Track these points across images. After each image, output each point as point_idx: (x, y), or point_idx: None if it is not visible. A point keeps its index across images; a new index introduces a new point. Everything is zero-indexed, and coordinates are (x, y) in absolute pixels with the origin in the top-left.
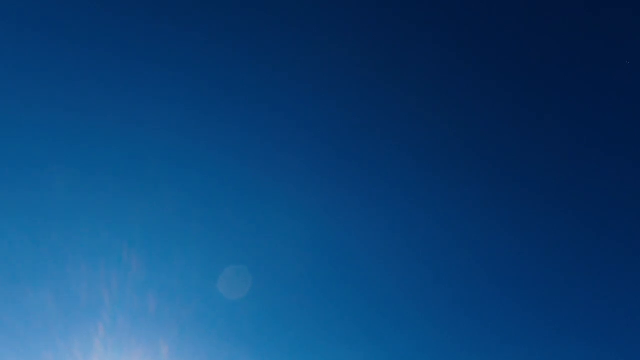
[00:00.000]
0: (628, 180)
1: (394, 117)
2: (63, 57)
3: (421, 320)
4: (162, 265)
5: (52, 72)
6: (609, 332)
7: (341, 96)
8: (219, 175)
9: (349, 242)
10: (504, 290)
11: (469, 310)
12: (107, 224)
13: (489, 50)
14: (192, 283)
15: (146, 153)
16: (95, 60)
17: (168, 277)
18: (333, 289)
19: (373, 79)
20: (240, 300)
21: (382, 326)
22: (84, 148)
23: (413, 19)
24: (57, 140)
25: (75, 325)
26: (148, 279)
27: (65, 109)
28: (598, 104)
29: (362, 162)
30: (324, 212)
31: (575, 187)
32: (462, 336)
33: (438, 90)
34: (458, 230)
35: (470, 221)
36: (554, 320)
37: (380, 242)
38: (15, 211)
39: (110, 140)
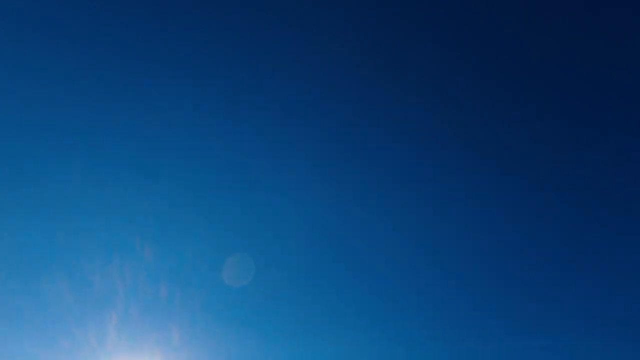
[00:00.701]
0: (630, 175)
1: (395, 111)
2: (74, 57)
3: (421, 305)
4: (172, 256)
5: (67, 72)
6: (608, 323)
7: (342, 90)
8: (225, 170)
9: (350, 231)
10: (503, 277)
11: (469, 297)
12: (120, 218)
13: (489, 43)
14: (201, 272)
15: (157, 150)
16: (109, 58)
17: (178, 267)
18: (334, 275)
19: (375, 73)
20: (247, 287)
21: (383, 310)
22: (98, 145)
23: (414, 15)
24: (72, 138)
25: (90, 313)
26: (159, 269)
27: (78, 109)
28: (597, 100)
29: (362, 152)
30: (325, 203)
31: (577, 180)
32: (462, 323)
33: (439, 84)
34: (457, 217)
35: (469, 210)
36: (555, 312)
37: (380, 228)
38: (32, 206)
39: (123, 137)
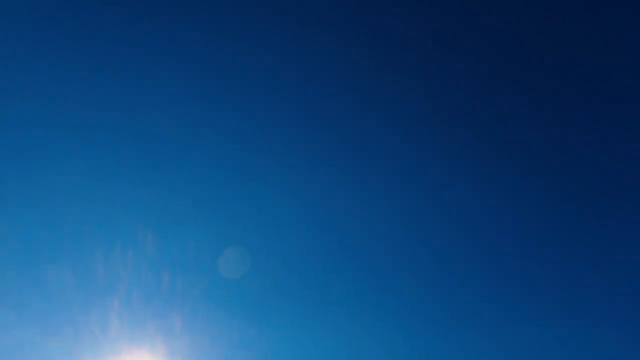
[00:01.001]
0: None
1: (395, 105)
2: (72, 51)
3: (419, 293)
4: (175, 246)
5: (72, 65)
6: (607, 314)
7: (344, 85)
8: (227, 162)
9: (349, 222)
10: (503, 267)
11: (469, 287)
12: (124, 207)
13: (497, 43)
14: (203, 262)
15: (159, 142)
16: (110, 53)
17: (180, 256)
18: (333, 264)
19: (381, 68)
20: (248, 276)
21: (381, 299)
22: (101, 135)
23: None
24: (75, 130)
25: (92, 302)
26: (161, 258)
27: (81, 100)
28: (602, 97)
29: (359, 143)
30: (325, 195)
31: (578, 173)
32: (458, 308)
33: (443, 80)
34: (455, 208)
35: (468, 201)
36: (550, 294)
37: (378, 218)
38: (35, 197)
39: (126, 129)
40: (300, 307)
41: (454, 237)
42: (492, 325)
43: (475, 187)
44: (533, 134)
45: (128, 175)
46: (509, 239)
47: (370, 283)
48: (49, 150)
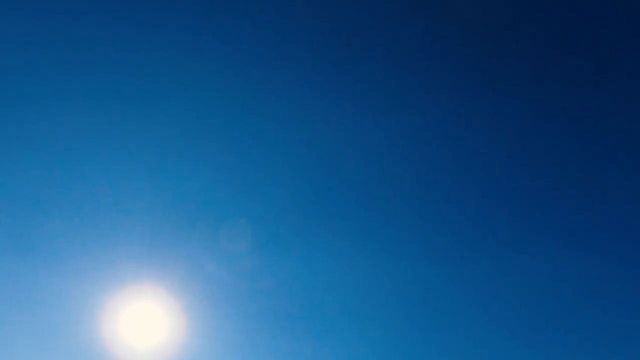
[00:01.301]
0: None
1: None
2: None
3: (412, 215)
4: (179, 179)
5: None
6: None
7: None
8: (229, 98)
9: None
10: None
11: (464, 211)
12: (127, 142)
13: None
14: (206, 194)
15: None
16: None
17: (183, 189)
18: (335, 198)
19: None
20: (250, 207)
21: (376, 223)
22: (101, 92)
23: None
24: (78, 80)
25: (97, 238)
26: (165, 190)
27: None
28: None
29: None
30: (326, 126)
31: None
32: (455, 240)
33: None
34: (450, 129)
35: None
36: (553, 229)
37: (370, 141)
38: (41, 136)
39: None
40: (306, 234)
41: (453, 166)
42: (489, 253)
43: (472, 115)
44: None
45: (132, 111)
46: (506, 166)
47: (370, 211)
48: (54, 94)
